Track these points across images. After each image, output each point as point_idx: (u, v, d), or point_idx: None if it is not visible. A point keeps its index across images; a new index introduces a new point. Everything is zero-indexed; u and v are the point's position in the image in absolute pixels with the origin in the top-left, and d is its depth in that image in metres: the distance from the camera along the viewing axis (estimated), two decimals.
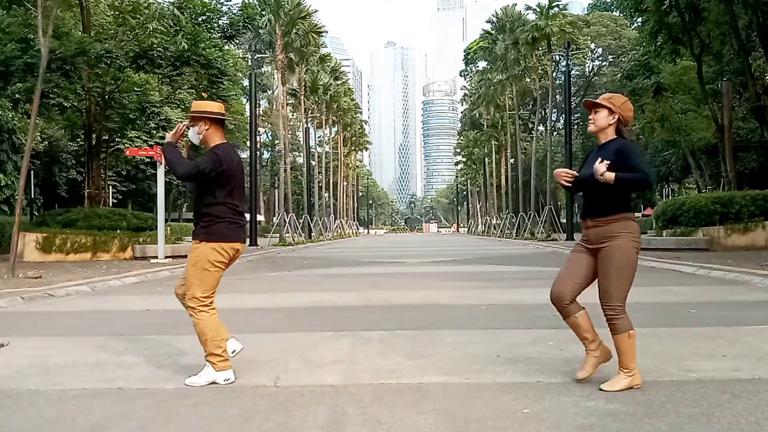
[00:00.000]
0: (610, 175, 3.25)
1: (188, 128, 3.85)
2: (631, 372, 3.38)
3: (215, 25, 20.47)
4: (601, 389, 3.38)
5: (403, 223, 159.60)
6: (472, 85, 65.55)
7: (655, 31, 22.75)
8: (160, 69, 19.34)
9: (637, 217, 3.44)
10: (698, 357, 4.16)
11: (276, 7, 34.34)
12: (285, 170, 35.87)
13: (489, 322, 5.92)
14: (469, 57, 69.02)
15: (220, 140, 3.79)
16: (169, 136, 3.82)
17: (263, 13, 32.79)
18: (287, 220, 32.61)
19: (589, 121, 3.58)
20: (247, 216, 32.01)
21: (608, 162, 3.28)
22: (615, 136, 3.47)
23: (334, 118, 56.56)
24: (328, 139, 61.44)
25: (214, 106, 3.83)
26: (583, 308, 3.50)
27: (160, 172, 16.38)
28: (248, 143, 33.22)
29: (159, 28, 17.94)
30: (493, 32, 47.20)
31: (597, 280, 3.46)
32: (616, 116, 3.44)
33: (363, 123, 77.12)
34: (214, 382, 3.64)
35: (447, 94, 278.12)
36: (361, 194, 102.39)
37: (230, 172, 3.70)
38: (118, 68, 18.72)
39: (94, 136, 20.74)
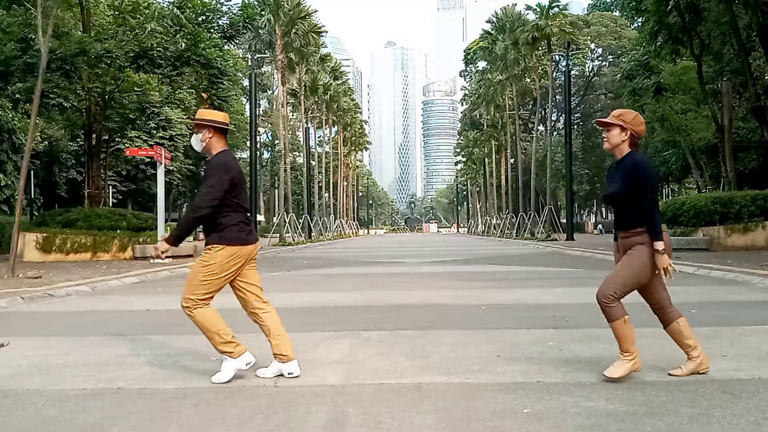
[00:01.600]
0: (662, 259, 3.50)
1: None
2: (632, 356, 3.52)
3: (215, 25, 20.46)
4: (604, 375, 3.51)
5: (403, 223, 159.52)
6: (472, 85, 65.56)
7: (655, 31, 22.75)
8: (160, 69, 19.34)
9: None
10: None
11: (276, 7, 34.32)
12: (285, 170, 35.86)
13: (489, 322, 5.92)
14: (469, 57, 69.04)
15: (222, 148, 3.84)
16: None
17: (263, 13, 32.78)
18: (287, 220, 32.61)
19: (603, 139, 3.74)
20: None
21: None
22: (630, 150, 3.61)
23: (334, 118, 56.55)
24: (328, 139, 61.44)
25: (220, 116, 3.89)
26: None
27: (160, 172, 16.35)
28: (248, 143, 33.25)
29: (159, 29, 17.92)
30: (493, 32, 47.21)
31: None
32: (629, 132, 3.58)
33: (363, 123, 77.12)
34: (237, 371, 3.70)
35: (447, 94, 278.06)
36: (361, 194, 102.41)
37: (238, 177, 3.76)
38: (118, 68, 18.72)
39: (94, 136, 20.74)
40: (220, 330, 3.68)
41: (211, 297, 3.73)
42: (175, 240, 3.76)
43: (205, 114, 3.86)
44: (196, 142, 3.86)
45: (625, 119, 3.58)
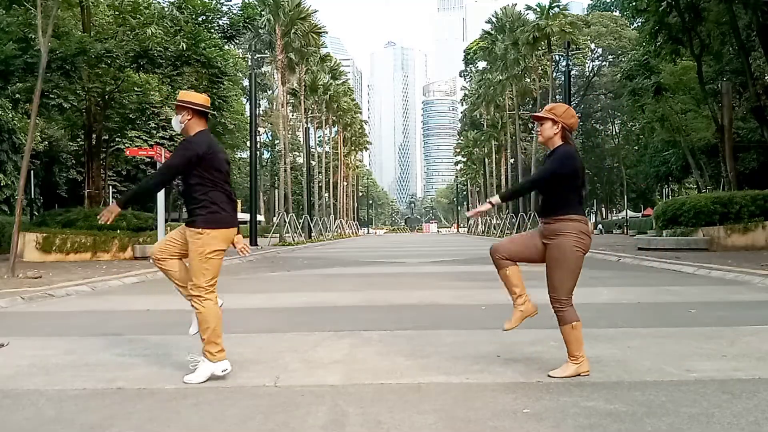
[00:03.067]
0: (486, 206, 3.88)
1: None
2: (578, 360, 3.65)
3: (215, 25, 20.45)
4: (549, 375, 3.62)
5: (403, 223, 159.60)
6: (472, 85, 65.59)
7: (655, 31, 22.75)
8: (160, 69, 19.33)
9: (585, 219, 3.73)
10: (698, 357, 4.16)
11: (276, 7, 34.32)
12: (285, 170, 35.87)
13: (489, 322, 5.91)
14: (469, 57, 69.10)
15: (200, 129, 3.88)
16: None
17: (263, 13, 32.77)
18: (287, 220, 32.61)
19: (537, 133, 3.94)
20: (248, 216, 32.18)
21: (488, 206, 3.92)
22: (561, 143, 3.73)
23: (334, 118, 56.55)
24: (328, 139, 61.46)
25: (199, 98, 3.92)
26: (516, 265, 3.79)
27: None
28: (248, 143, 33.23)
29: (159, 32, 17.90)
30: (493, 32, 47.27)
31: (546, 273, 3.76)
32: (560, 125, 3.71)
33: (363, 123, 77.13)
34: (212, 375, 3.68)
35: (447, 94, 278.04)
36: (361, 194, 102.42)
37: (209, 154, 3.76)
38: (118, 68, 18.70)
39: (94, 136, 20.73)
40: (217, 328, 3.71)
41: (215, 284, 3.76)
42: (123, 203, 3.92)
43: (185, 96, 3.90)
44: (176, 123, 3.91)
45: (556, 113, 3.72)
